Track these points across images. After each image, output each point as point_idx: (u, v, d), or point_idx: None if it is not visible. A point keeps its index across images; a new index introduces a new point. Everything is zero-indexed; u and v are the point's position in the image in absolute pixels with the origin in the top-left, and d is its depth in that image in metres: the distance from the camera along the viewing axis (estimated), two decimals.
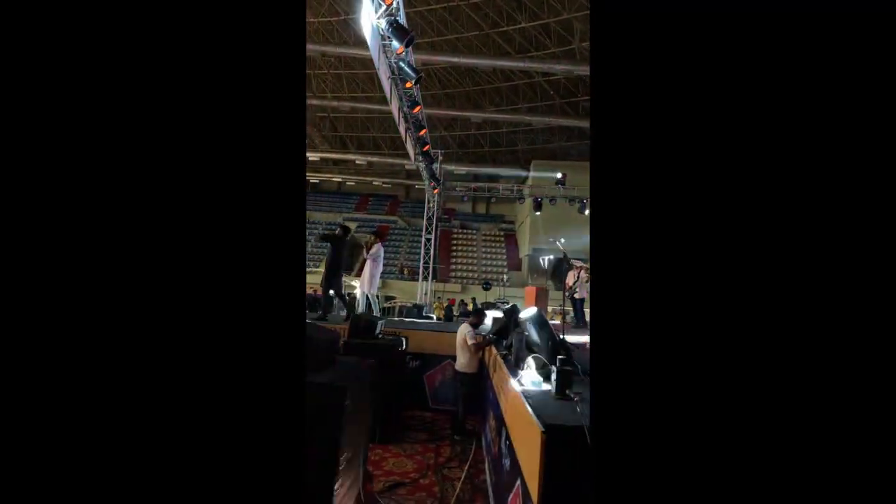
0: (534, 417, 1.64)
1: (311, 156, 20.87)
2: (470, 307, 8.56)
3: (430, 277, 11.59)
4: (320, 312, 5.42)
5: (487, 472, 3.28)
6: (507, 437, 2.36)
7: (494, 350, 3.94)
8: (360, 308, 5.92)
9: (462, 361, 4.32)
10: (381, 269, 5.94)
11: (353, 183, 25.63)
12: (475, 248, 22.94)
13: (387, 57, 5.14)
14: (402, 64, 5.14)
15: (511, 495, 2.10)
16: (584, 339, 4.07)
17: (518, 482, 1.91)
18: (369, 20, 4.46)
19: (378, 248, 5.84)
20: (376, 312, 5.99)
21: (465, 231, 24.09)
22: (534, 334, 2.64)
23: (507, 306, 3.94)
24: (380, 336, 4.42)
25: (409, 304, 8.39)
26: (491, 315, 4.55)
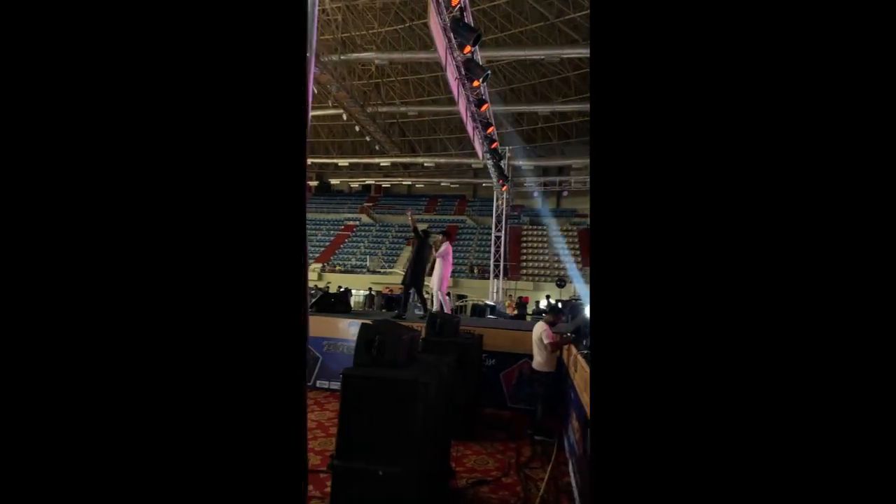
0: None
1: (383, 161, 21.70)
2: (545, 303, 8.34)
3: (500, 275, 11.50)
4: (398, 311, 5.61)
5: (572, 474, 3.18)
6: None
7: (574, 349, 3.81)
8: (435, 307, 6.05)
9: (539, 360, 4.23)
10: (450, 268, 6.01)
11: (421, 185, 26.28)
12: (546, 245, 22.37)
13: (454, 58, 5.19)
14: (469, 62, 5.16)
15: None
16: None
17: None
18: (436, 22, 4.53)
19: (446, 248, 5.92)
20: (447, 312, 6.08)
21: (534, 227, 23.60)
22: None
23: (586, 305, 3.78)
24: (456, 334, 4.47)
25: (480, 303, 8.41)
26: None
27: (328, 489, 2.85)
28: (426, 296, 6.33)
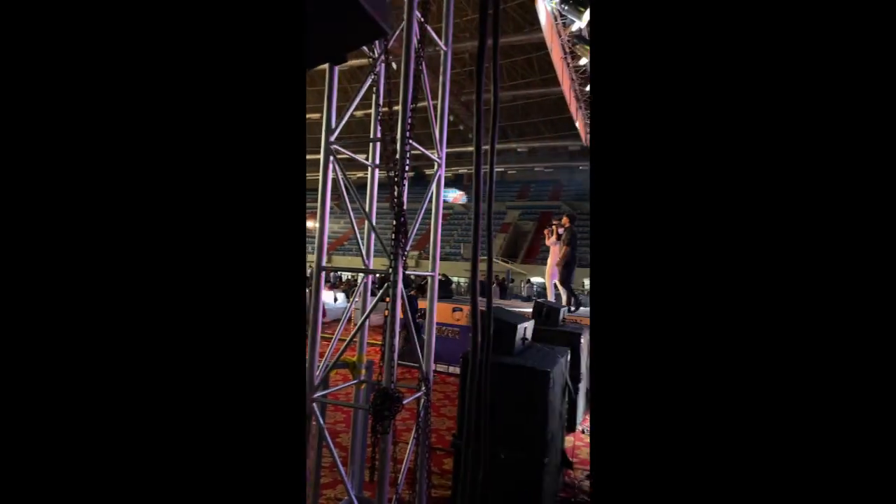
0: None
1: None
2: None
3: None
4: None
5: None
6: None
7: None
8: (564, 298, 6.07)
9: None
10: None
11: (514, 171, 25.86)
12: None
13: (559, 37, 4.96)
14: (578, 40, 4.90)
15: None
16: None
17: None
18: (543, 2, 4.36)
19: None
20: (564, 301, 6.02)
21: None
22: None
23: None
24: (562, 323, 4.37)
25: (584, 291, 8.08)
26: None
27: (446, 466, 2.99)
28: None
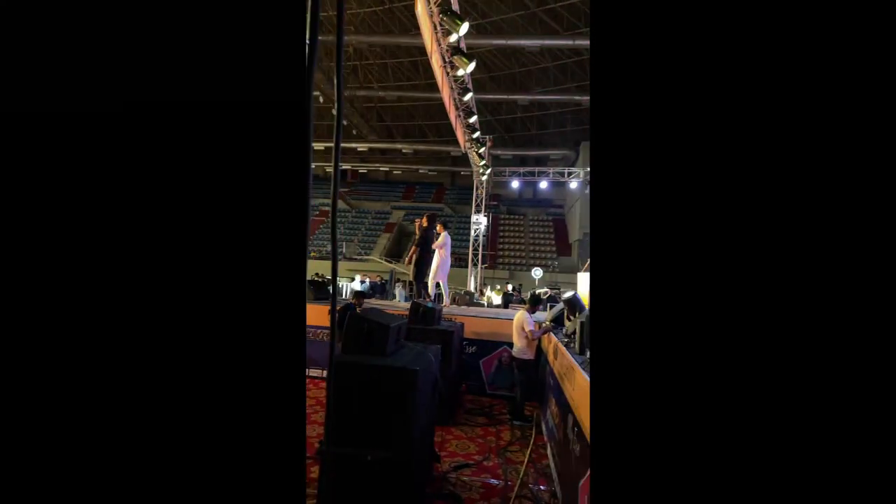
0: None
1: (360, 146, 21.32)
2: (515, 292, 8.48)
3: (479, 264, 11.61)
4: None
5: (551, 457, 3.31)
6: (576, 424, 2.36)
7: (554, 337, 3.92)
8: (446, 298, 6.15)
9: (519, 347, 4.34)
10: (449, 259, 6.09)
11: (399, 172, 25.99)
12: (522, 234, 22.65)
13: (439, 45, 5.13)
14: (455, 51, 5.12)
15: (583, 481, 2.12)
16: None
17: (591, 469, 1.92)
18: (422, 8, 4.46)
19: (445, 238, 5.96)
20: (447, 301, 6.18)
21: (512, 217, 23.82)
22: None
23: (568, 294, 3.89)
24: (438, 322, 4.52)
25: (461, 291, 8.49)
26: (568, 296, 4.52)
27: (313, 475, 2.87)
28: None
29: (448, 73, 5.84)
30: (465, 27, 4.64)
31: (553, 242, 21.79)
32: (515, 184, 12.31)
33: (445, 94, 6.24)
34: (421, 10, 4.46)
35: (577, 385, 2.35)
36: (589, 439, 1.98)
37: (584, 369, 2.38)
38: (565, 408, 2.77)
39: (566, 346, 3.26)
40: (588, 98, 15.07)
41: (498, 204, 23.28)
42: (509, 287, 11.92)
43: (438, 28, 4.83)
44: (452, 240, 6.17)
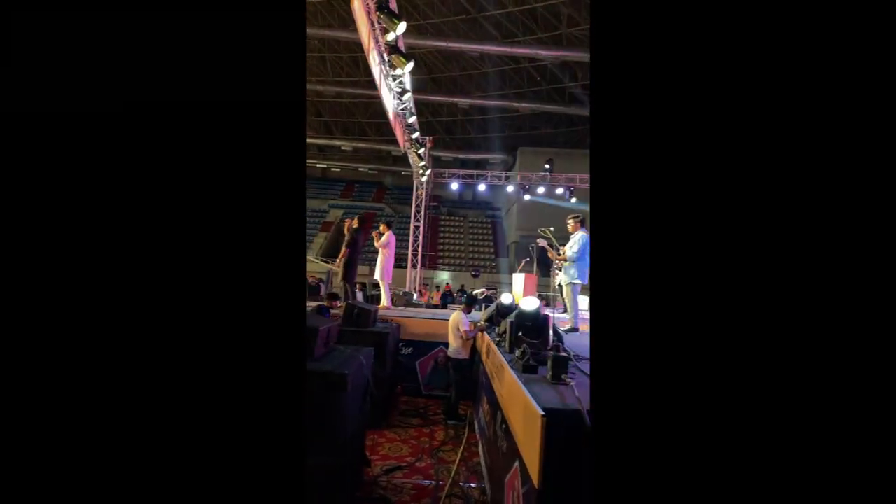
0: (533, 402, 1.71)
1: None
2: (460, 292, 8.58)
3: (419, 265, 11.62)
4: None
5: (482, 454, 3.38)
6: (504, 421, 2.43)
7: (487, 336, 4.01)
8: (387, 300, 5.99)
9: (454, 347, 4.39)
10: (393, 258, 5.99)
11: (338, 169, 25.30)
12: (462, 235, 22.98)
13: (377, 43, 5.06)
14: (393, 50, 5.07)
15: (508, 476, 2.18)
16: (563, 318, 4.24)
17: (516, 464, 1.99)
18: (359, 3, 4.37)
19: (389, 237, 5.86)
20: (386, 301, 6.05)
21: (452, 218, 24.08)
22: (526, 321, 2.71)
23: (501, 294, 4.00)
24: (373, 324, 4.45)
25: (399, 292, 8.43)
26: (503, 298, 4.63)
27: None
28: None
29: (386, 73, 5.77)
30: (402, 26, 4.61)
31: (492, 244, 22.33)
32: (455, 185, 12.45)
33: (384, 94, 6.17)
34: (357, 5, 4.37)
35: (506, 383, 2.42)
36: (514, 436, 2.05)
37: (512, 367, 2.45)
38: (495, 405, 2.84)
39: (497, 345, 3.35)
40: (525, 105, 15.55)
41: (438, 205, 23.44)
42: (452, 287, 12.05)
43: (376, 25, 4.76)
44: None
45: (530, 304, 2.83)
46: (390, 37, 4.87)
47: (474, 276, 13.98)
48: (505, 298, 4.08)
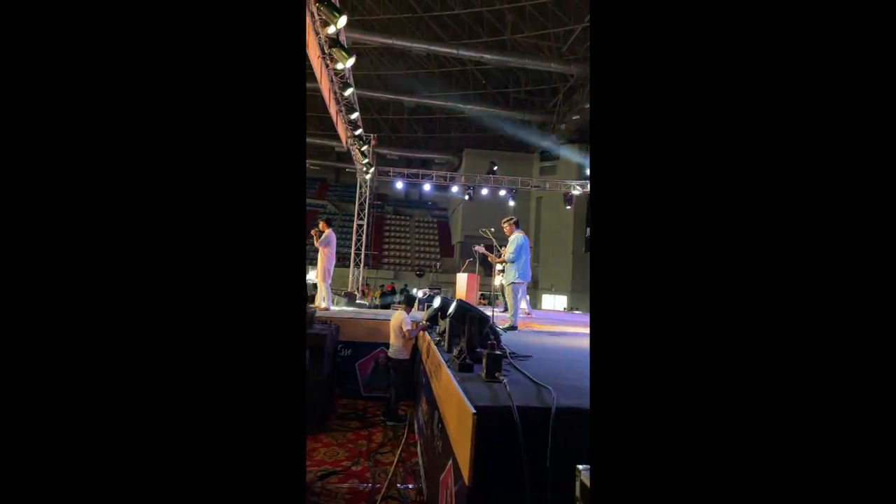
0: (465, 399, 1.72)
1: None
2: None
3: (361, 264, 11.39)
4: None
5: (420, 454, 3.37)
6: (440, 420, 2.44)
7: (428, 336, 4.01)
8: (328, 302, 5.75)
9: (396, 347, 4.35)
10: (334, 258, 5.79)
11: None
12: (408, 235, 22.87)
13: (317, 34, 4.88)
14: (334, 44, 4.92)
15: (443, 475, 2.19)
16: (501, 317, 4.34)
17: (450, 462, 2.00)
18: None
19: (330, 235, 5.66)
20: (330, 303, 5.84)
21: (397, 217, 23.89)
22: (464, 320, 2.74)
23: (442, 294, 4.02)
24: (310, 326, 4.30)
25: (341, 292, 8.22)
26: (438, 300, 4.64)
27: None
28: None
29: (328, 66, 5.60)
30: (343, 20, 4.48)
31: (437, 243, 22.43)
32: (400, 184, 12.35)
33: (325, 87, 5.97)
34: None
35: (443, 382, 2.43)
36: (449, 435, 2.06)
37: (449, 367, 2.46)
38: (433, 405, 2.85)
39: (437, 344, 3.36)
40: (471, 108, 15.75)
41: (383, 203, 23.16)
42: (394, 286, 11.94)
43: (316, 17, 4.60)
44: (336, 238, 5.93)
45: (456, 302, 2.90)
46: (331, 30, 4.72)
47: (419, 275, 13.96)
48: (436, 302, 4.11)
